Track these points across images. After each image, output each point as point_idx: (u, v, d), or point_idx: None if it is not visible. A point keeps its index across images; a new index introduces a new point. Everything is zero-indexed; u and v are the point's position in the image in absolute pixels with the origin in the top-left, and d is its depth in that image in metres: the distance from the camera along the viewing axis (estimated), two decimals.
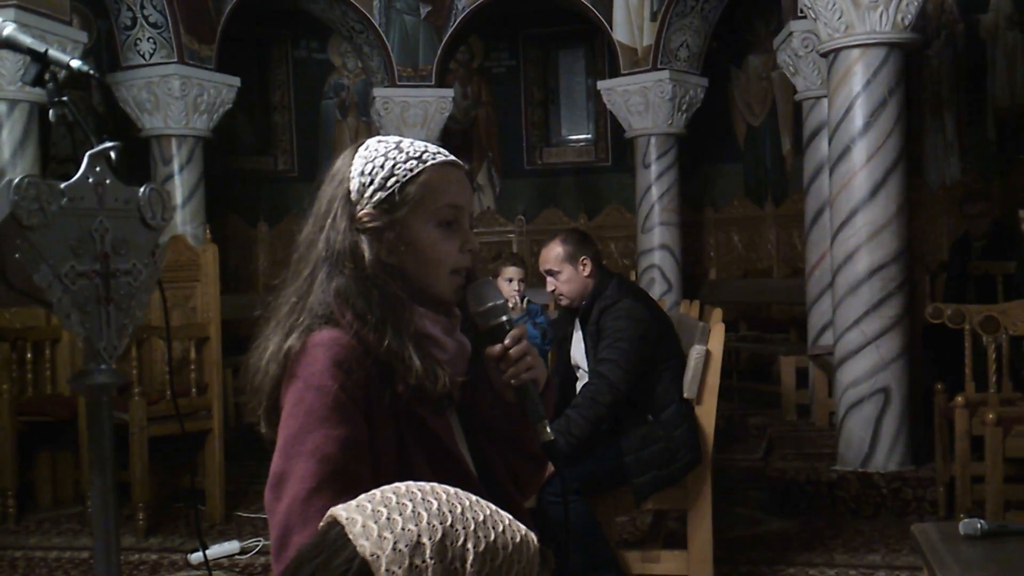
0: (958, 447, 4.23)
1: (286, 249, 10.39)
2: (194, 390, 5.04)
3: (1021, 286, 5.62)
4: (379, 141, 1.57)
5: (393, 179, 1.51)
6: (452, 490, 0.95)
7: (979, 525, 2.35)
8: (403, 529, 0.89)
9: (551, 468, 1.74)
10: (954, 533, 2.38)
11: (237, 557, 4.54)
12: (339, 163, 1.57)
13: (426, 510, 0.90)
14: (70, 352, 5.48)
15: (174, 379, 4.93)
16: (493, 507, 0.95)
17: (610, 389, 3.41)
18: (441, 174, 1.53)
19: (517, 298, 5.01)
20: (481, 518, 0.92)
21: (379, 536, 0.88)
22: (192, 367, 5.03)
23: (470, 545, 0.90)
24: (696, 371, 3.59)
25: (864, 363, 4.97)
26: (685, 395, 3.58)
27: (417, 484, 0.95)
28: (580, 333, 3.80)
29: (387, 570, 0.87)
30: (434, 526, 0.89)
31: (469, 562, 0.89)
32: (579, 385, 3.75)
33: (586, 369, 3.71)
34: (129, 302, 1.77)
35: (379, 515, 0.90)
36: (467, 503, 0.93)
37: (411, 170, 1.51)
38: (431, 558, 0.88)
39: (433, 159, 1.53)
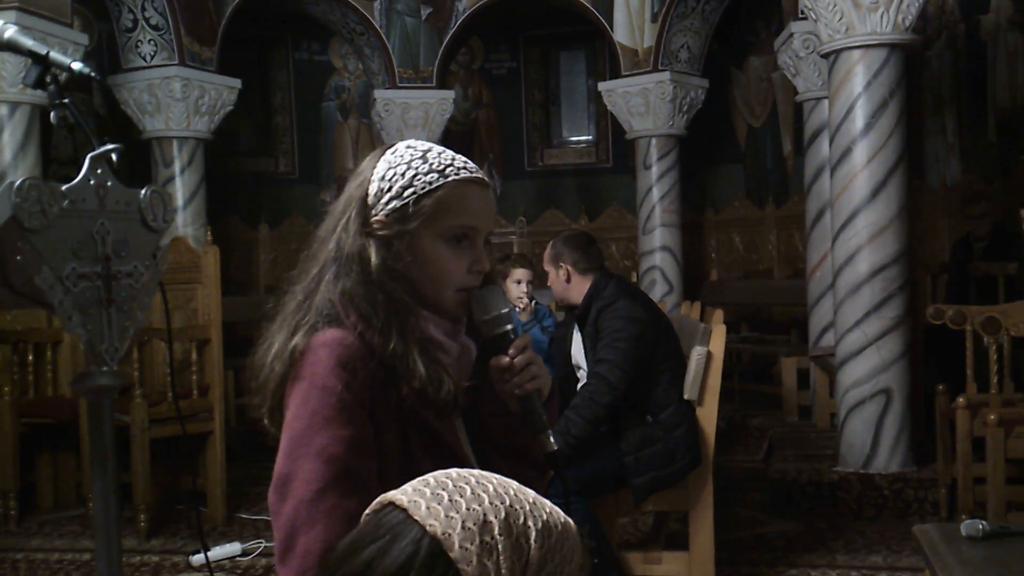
0: (959, 448, 4.23)
1: (287, 251, 10.44)
2: (195, 392, 5.04)
3: (1022, 287, 5.62)
4: (408, 147, 1.54)
5: (410, 190, 1.49)
6: (498, 476, 0.97)
7: (981, 526, 2.35)
8: (468, 509, 0.90)
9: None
10: (956, 534, 2.38)
11: (239, 559, 4.54)
12: (365, 163, 1.56)
13: (484, 492, 0.92)
14: (71, 354, 5.48)
15: (175, 381, 4.94)
16: (534, 492, 0.97)
17: (608, 389, 3.41)
18: (460, 191, 1.50)
19: (526, 299, 5.00)
20: (531, 499, 0.95)
21: (447, 516, 0.90)
22: (193, 369, 5.03)
23: (530, 523, 0.92)
24: (697, 372, 3.59)
25: (865, 364, 4.96)
26: (686, 396, 3.58)
27: (466, 470, 0.97)
28: (580, 333, 3.81)
29: (461, 547, 0.89)
30: (496, 506, 0.91)
31: (532, 538, 0.92)
32: (580, 386, 3.75)
33: (586, 369, 3.71)
34: (130, 304, 1.77)
35: (440, 497, 0.92)
36: (515, 486, 0.96)
37: (430, 183, 1.49)
38: (500, 535, 0.90)
39: (456, 175, 1.50)
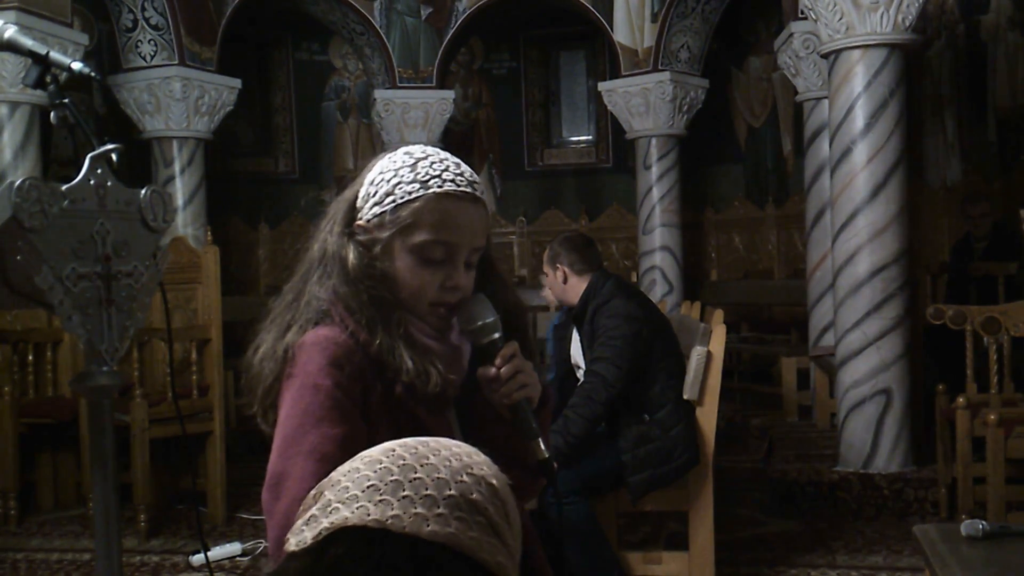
0: (959, 448, 4.23)
1: (287, 251, 10.43)
2: (195, 392, 5.04)
3: (1022, 287, 5.62)
4: (405, 153, 1.52)
5: (390, 198, 1.47)
6: (419, 441, 0.93)
7: (981, 526, 2.34)
8: (446, 497, 0.87)
9: None
10: (956, 534, 2.38)
11: (239, 559, 4.54)
12: (368, 165, 1.56)
13: (437, 473, 0.89)
14: (71, 354, 5.48)
15: (175, 381, 4.93)
16: (452, 442, 0.95)
17: (605, 386, 3.42)
18: (439, 206, 1.46)
19: None
20: (465, 454, 0.93)
21: (438, 516, 0.86)
22: (193, 369, 5.03)
23: (493, 480, 0.91)
24: (697, 372, 3.59)
25: (865, 364, 4.96)
26: (686, 396, 3.58)
27: (380, 451, 0.92)
28: (578, 333, 3.83)
29: (470, 538, 0.86)
30: (464, 481, 0.89)
31: (505, 494, 0.91)
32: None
33: (585, 368, 3.72)
34: (130, 304, 1.77)
35: (412, 500, 0.86)
36: (449, 450, 0.92)
37: (409, 193, 1.46)
38: (488, 504, 0.88)
39: (439, 188, 1.46)
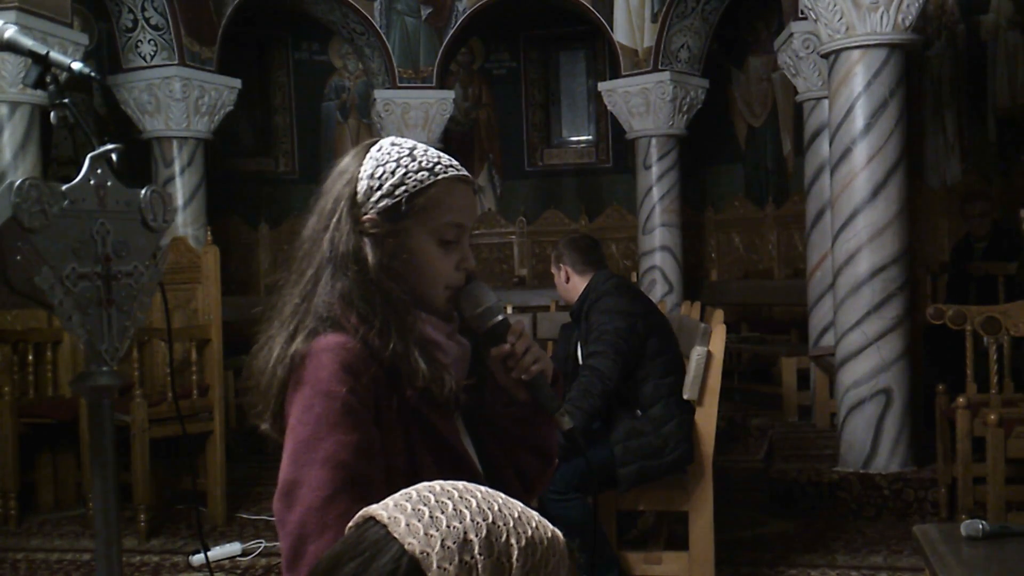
0: (959, 448, 4.23)
1: (287, 251, 10.39)
2: (195, 392, 5.04)
3: (1022, 287, 5.61)
4: (392, 144, 1.54)
5: (402, 188, 1.49)
6: (484, 488, 0.95)
7: (981, 526, 2.35)
8: (448, 527, 0.89)
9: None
10: (956, 534, 2.38)
11: (239, 559, 4.54)
12: (348, 160, 1.55)
13: (467, 507, 0.91)
14: (71, 354, 5.48)
15: (175, 381, 4.94)
16: (521, 504, 0.96)
17: (600, 379, 3.45)
18: (450, 189, 1.51)
19: None
20: (516, 514, 0.93)
21: (426, 534, 0.88)
22: (193, 369, 5.04)
23: (513, 541, 0.91)
24: (697, 372, 3.59)
25: (865, 364, 4.96)
26: (686, 396, 3.59)
27: (450, 483, 0.95)
28: (578, 331, 3.85)
29: (439, 567, 0.87)
30: (478, 523, 0.90)
31: (515, 557, 0.90)
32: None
33: None
34: (130, 304, 1.76)
35: (421, 514, 0.90)
36: (500, 500, 0.94)
37: (421, 181, 1.49)
38: (480, 554, 0.88)
39: (445, 173, 1.51)
